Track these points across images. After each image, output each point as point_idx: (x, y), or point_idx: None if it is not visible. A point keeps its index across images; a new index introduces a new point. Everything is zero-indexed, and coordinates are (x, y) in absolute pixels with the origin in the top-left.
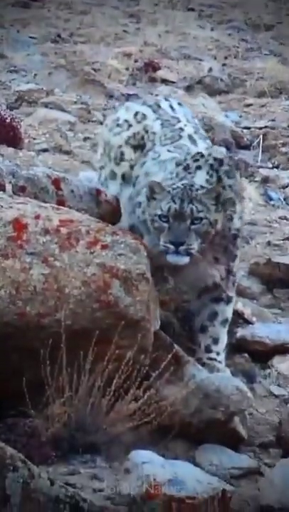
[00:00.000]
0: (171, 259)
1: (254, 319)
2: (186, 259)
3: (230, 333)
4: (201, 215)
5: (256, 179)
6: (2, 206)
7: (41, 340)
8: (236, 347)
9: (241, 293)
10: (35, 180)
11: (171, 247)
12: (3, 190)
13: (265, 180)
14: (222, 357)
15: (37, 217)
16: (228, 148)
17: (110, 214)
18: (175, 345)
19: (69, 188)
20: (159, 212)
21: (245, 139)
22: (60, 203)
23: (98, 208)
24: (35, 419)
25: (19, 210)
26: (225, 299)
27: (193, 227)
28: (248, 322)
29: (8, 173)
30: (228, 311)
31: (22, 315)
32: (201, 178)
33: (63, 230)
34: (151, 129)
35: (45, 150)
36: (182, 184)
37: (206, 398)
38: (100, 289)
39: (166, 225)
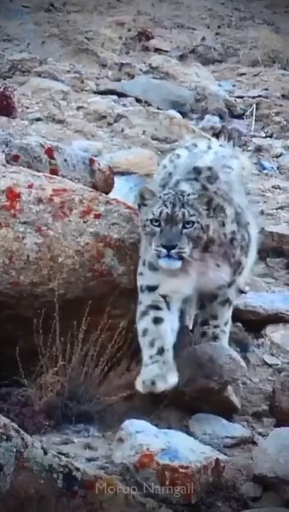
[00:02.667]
0: (163, 263)
1: (247, 288)
2: (178, 264)
3: None
4: (193, 218)
5: (249, 148)
6: None
7: (35, 309)
8: None
9: None
10: (28, 150)
11: (163, 250)
12: None
13: (259, 149)
14: (221, 330)
15: (30, 186)
16: (221, 118)
17: (104, 183)
18: None
19: (62, 157)
20: (150, 216)
21: (239, 108)
22: (54, 172)
23: (92, 177)
24: (29, 388)
25: (12, 180)
26: (226, 283)
27: (185, 230)
28: (241, 291)
29: (1, 142)
30: (229, 293)
31: (15, 284)
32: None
33: (56, 199)
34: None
35: (38, 119)
36: (173, 190)
37: (199, 367)
38: (93, 258)
39: (158, 229)
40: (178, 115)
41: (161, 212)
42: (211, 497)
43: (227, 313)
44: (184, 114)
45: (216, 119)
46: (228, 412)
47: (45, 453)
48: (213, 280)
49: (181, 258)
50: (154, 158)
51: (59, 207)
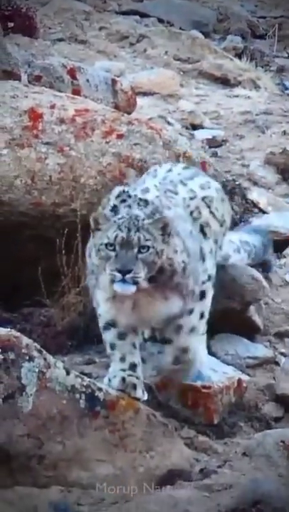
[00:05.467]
0: (118, 287)
1: (269, 209)
2: (132, 288)
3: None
4: (148, 243)
5: (271, 69)
6: (17, 96)
7: (57, 229)
8: None
9: (257, 182)
10: (50, 70)
11: (118, 275)
12: (19, 79)
13: (281, 69)
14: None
15: (52, 106)
16: (243, 38)
17: (126, 103)
18: None
19: (84, 78)
20: (105, 241)
21: (261, 29)
22: (76, 92)
23: (114, 97)
24: (51, 308)
25: (34, 100)
26: (186, 312)
27: (140, 255)
28: (263, 212)
29: (24, 63)
30: (192, 320)
31: (37, 204)
32: None
33: (79, 120)
34: None
35: (60, 39)
36: (128, 214)
37: (221, 288)
38: (116, 178)
39: (113, 253)
40: (200, 35)
41: (116, 237)
42: (233, 417)
43: (199, 345)
44: (206, 35)
45: (239, 39)
46: (250, 332)
47: (68, 373)
48: (162, 311)
49: (136, 283)
50: (176, 78)
51: (81, 127)
